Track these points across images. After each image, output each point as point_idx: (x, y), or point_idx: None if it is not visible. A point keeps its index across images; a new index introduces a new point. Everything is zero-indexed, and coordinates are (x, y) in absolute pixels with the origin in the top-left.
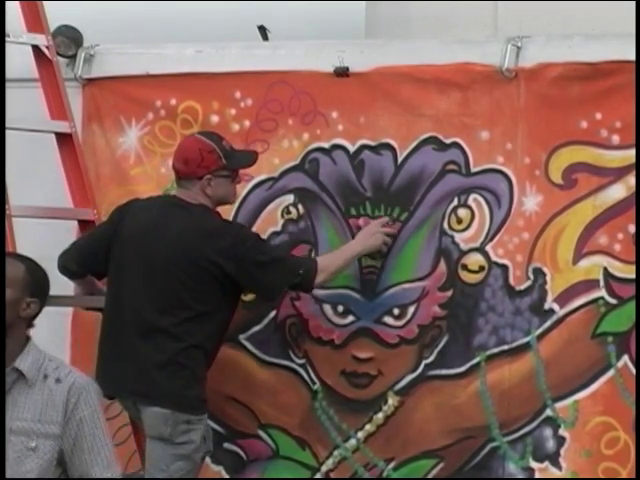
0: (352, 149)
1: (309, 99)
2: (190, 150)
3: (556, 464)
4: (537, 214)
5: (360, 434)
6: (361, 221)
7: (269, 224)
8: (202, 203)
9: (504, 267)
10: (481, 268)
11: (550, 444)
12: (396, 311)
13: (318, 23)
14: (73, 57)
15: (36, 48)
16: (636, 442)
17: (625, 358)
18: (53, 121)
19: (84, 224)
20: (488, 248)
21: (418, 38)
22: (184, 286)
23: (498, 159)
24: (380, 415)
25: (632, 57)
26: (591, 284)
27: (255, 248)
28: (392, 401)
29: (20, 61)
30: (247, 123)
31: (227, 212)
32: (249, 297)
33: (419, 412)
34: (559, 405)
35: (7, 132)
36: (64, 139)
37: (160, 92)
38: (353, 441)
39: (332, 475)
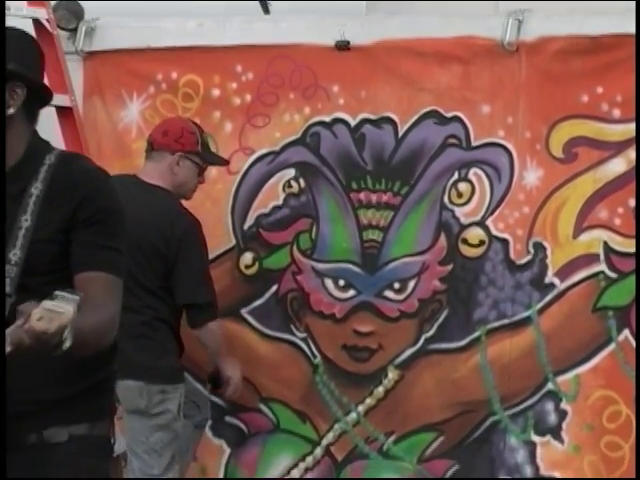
0: (353, 123)
1: (310, 73)
2: (173, 124)
3: (558, 437)
4: (538, 188)
5: (360, 408)
6: (362, 195)
7: (270, 198)
8: (162, 186)
9: (504, 241)
10: (481, 242)
11: (552, 418)
12: (397, 285)
13: None
14: (74, 30)
15: (37, 21)
16: (636, 425)
17: (626, 332)
18: (54, 94)
19: None
20: (488, 222)
21: (419, 12)
22: (141, 265)
23: (499, 133)
24: (380, 389)
25: (633, 31)
26: (591, 258)
27: (194, 248)
28: (392, 375)
29: None
30: (248, 97)
31: (229, 185)
32: (250, 271)
33: (419, 386)
34: (560, 379)
35: None
36: (65, 113)
37: (161, 66)
38: (353, 415)
39: (332, 448)
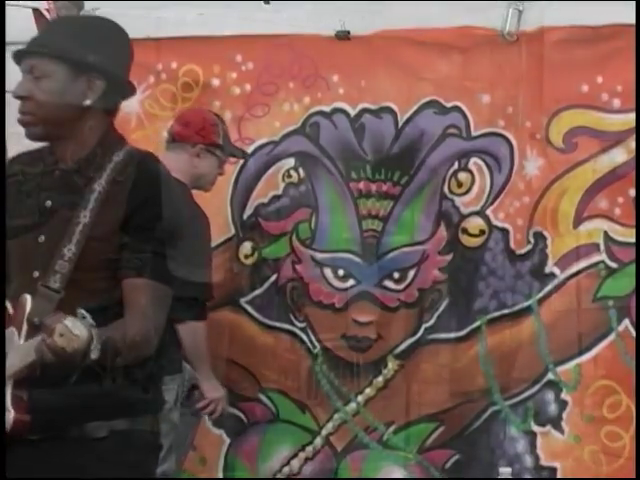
0: (353, 113)
1: (310, 62)
2: (195, 116)
3: (558, 428)
4: (538, 178)
5: (360, 398)
6: (362, 185)
7: (270, 188)
8: (178, 179)
9: (504, 231)
10: (481, 232)
11: (552, 408)
12: (396, 275)
13: None
14: None
15: (37, 11)
16: (636, 415)
17: (626, 322)
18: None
19: None
20: (488, 212)
21: (419, 1)
22: None
23: (499, 123)
24: (380, 379)
25: (633, 21)
26: (591, 248)
27: (193, 235)
28: (392, 365)
29: (20, 25)
30: (248, 87)
31: (229, 175)
32: (250, 261)
33: (419, 376)
34: (561, 369)
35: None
36: None
37: (161, 55)
38: (353, 405)
39: (332, 438)
